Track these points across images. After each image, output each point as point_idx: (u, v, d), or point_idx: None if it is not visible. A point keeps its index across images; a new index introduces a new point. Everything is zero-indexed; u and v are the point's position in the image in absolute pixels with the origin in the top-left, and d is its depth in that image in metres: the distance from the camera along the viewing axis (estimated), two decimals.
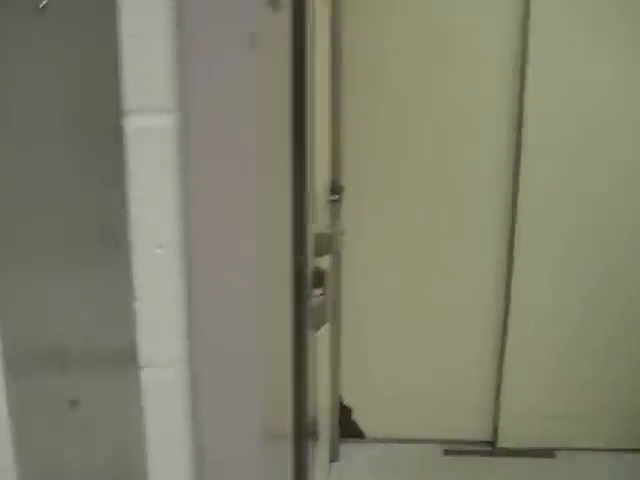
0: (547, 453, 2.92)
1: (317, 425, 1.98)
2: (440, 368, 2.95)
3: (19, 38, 0.65)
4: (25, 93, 0.68)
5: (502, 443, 2.95)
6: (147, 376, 0.75)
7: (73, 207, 0.71)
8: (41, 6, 0.67)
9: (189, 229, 0.72)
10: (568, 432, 2.92)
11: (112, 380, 0.76)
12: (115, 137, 0.70)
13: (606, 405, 2.91)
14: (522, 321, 2.85)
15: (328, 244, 1.97)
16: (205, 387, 0.76)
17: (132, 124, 0.69)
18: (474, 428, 2.99)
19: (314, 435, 1.83)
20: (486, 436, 2.99)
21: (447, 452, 2.95)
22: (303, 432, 1.38)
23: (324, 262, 2.11)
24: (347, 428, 2.97)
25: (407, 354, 2.94)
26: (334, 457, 2.85)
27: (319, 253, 1.93)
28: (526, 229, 2.76)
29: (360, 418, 3.01)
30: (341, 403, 2.95)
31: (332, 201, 2.33)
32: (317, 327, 1.56)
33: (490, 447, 2.98)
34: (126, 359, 0.75)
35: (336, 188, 2.47)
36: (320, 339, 2.17)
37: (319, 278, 1.70)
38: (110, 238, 0.72)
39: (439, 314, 2.89)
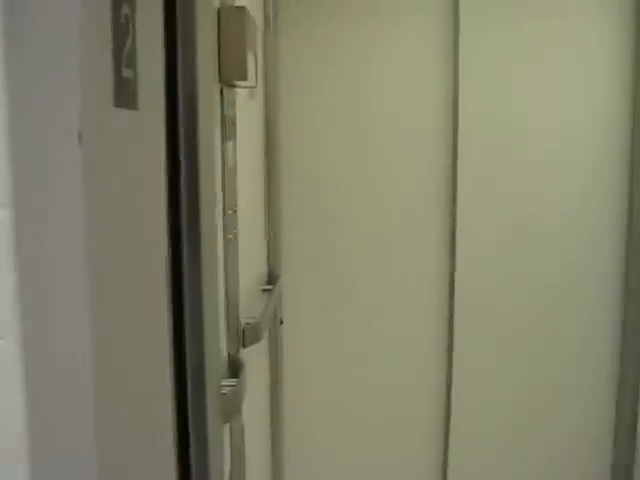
0: None
1: None
2: (385, 463, 2.90)
3: None
4: None
5: None
6: None
7: None
8: None
9: (25, 319, 0.72)
10: None
11: None
12: None
13: None
14: (464, 408, 2.84)
15: (255, 333, 1.96)
16: None
17: None
18: None
19: None
20: None
21: None
22: None
23: (254, 351, 2.11)
24: None
25: (352, 442, 2.89)
26: None
27: (246, 343, 1.93)
28: (463, 317, 2.80)
29: None
30: None
31: (265, 290, 2.33)
32: (228, 417, 1.54)
33: None
34: None
35: (272, 278, 2.48)
36: (252, 429, 2.14)
37: (235, 368, 1.70)
38: None
39: (383, 399, 2.87)
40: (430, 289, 2.81)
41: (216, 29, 1.48)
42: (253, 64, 1.71)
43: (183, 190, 1.12)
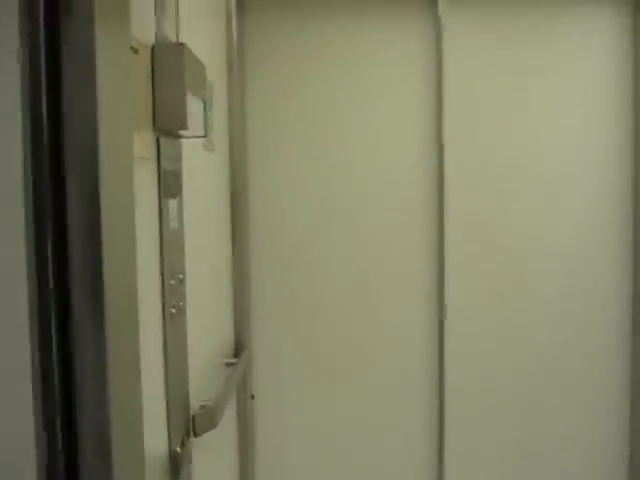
0: None
1: None
2: None
3: None
4: None
5: None
6: None
7: None
8: None
9: None
10: None
11: None
12: None
13: None
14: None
15: (211, 418, 1.70)
16: None
17: None
18: None
19: None
20: None
21: None
22: None
23: (220, 431, 1.84)
24: None
25: None
26: None
27: (198, 431, 1.67)
28: (454, 388, 2.54)
29: None
30: None
31: (230, 364, 2.07)
32: None
33: None
34: None
35: (240, 349, 2.23)
36: None
37: (175, 467, 1.44)
38: None
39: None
40: (416, 358, 2.54)
41: (148, 69, 1.26)
42: (200, 110, 1.48)
43: (73, 267, 0.88)
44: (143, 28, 1.25)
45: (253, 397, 2.44)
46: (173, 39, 1.44)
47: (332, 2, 2.42)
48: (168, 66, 1.29)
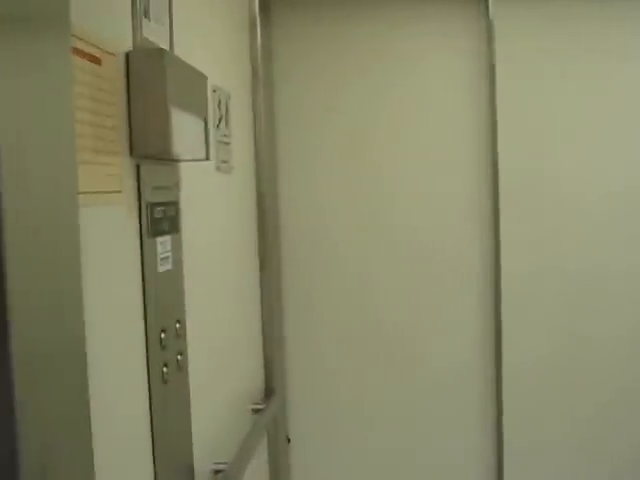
0: None
1: None
2: None
3: None
4: None
5: None
6: None
7: None
8: None
9: None
10: None
11: None
12: None
13: None
14: None
15: None
16: None
17: None
18: None
19: None
20: None
21: None
22: None
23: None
24: None
25: None
26: None
27: None
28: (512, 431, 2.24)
29: None
30: None
31: (257, 410, 1.83)
32: None
33: None
34: None
35: (269, 391, 1.97)
36: None
37: None
38: None
39: None
40: (465, 402, 2.25)
41: (120, 82, 1.03)
42: (199, 129, 1.24)
43: None
44: (111, 32, 1.01)
45: (289, 441, 2.19)
46: (164, 45, 1.20)
47: (373, 2, 2.16)
48: (146, 77, 1.05)
